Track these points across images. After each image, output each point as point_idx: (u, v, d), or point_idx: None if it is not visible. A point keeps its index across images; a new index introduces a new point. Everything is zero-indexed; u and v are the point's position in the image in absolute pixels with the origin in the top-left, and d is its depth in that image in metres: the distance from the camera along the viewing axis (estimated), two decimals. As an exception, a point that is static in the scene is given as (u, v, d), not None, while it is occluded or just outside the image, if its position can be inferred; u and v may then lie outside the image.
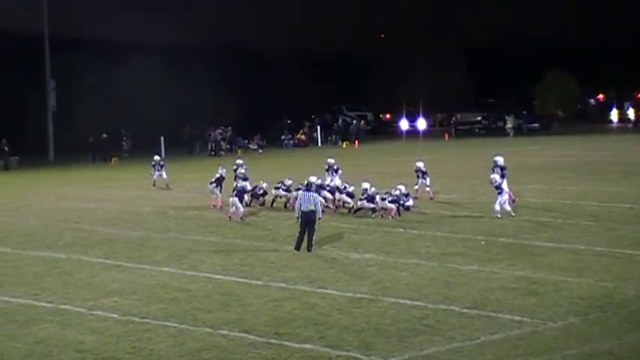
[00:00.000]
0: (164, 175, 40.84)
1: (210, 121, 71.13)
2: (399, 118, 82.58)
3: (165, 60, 73.09)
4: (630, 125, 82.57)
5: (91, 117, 67.49)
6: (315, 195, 24.79)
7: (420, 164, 33.20)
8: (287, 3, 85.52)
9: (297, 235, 24.00)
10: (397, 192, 29.56)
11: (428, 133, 78.52)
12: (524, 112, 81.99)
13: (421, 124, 79.60)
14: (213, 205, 32.83)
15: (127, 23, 71.01)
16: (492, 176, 28.50)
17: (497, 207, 28.05)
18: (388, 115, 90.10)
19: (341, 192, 31.02)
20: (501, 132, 77.44)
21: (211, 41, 78.23)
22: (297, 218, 24.16)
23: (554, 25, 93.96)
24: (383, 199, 29.28)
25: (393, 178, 35.09)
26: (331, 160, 34.72)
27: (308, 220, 23.86)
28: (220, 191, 33.00)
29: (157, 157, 41.96)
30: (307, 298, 18.53)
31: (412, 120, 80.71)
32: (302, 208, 23.93)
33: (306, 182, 26.54)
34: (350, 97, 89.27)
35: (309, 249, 23.77)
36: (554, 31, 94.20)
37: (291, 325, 16.56)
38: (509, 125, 77.42)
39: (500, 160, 30.27)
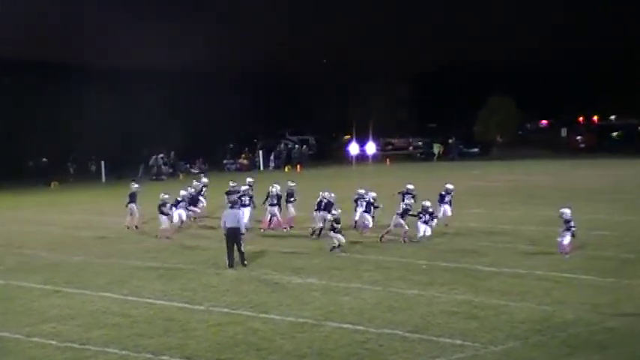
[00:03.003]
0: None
1: (156, 145, 70.70)
2: (348, 143, 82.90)
3: (109, 83, 72.55)
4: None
5: (30, 141, 66.62)
6: (239, 212, 26.26)
7: (362, 191, 32.71)
8: (232, 27, 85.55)
9: (226, 253, 24.93)
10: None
11: (377, 158, 78.85)
12: (453, 138, 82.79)
13: (370, 148, 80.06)
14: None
15: (70, 45, 70.45)
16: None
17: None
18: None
19: None
20: (432, 157, 78.73)
21: (155, 65, 77.88)
22: (226, 235, 25.24)
23: (499, 51, 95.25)
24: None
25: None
26: (233, 184, 35.48)
27: (233, 237, 24.87)
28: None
29: (135, 186, 36.41)
30: (250, 322, 18.44)
31: (362, 144, 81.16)
32: (227, 225, 25.01)
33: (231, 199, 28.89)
34: (294, 122, 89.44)
35: (243, 263, 24.69)
36: (499, 57, 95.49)
37: (233, 350, 16.46)
38: (435, 151, 79.46)
39: (410, 187, 31.96)
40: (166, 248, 29.20)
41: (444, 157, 79.35)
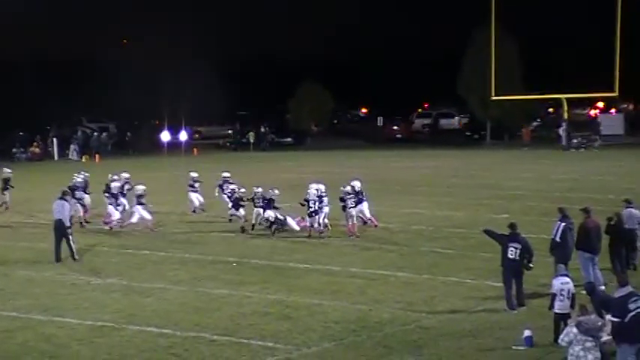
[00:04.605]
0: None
1: None
2: (160, 130, 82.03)
3: None
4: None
5: None
6: (65, 203, 25.75)
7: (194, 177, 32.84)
8: (20, 6, 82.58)
9: (54, 246, 24.96)
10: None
11: (190, 146, 78.28)
12: (265, 127, 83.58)
13: (183, 137, 79.75)
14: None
15: None
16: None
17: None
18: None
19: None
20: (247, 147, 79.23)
21: None
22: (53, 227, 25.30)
23: (312, 38, 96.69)
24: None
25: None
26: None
27: (59, 229, 24.93)
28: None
29: (8, 171, 37.46)
30: (43, 327, 18.06)
31: (174, 132, 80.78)
32: (54, 216, 25.16)
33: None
34: (92, 108, 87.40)
35: (73, 257, 24.85)
36: (312, 44, 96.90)
37: (23, 358, 16.09)
38: (251, 140, 80.00)
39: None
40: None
41: (255, 146, 79.82)
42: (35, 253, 26.61)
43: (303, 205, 28.95)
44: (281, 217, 29.40)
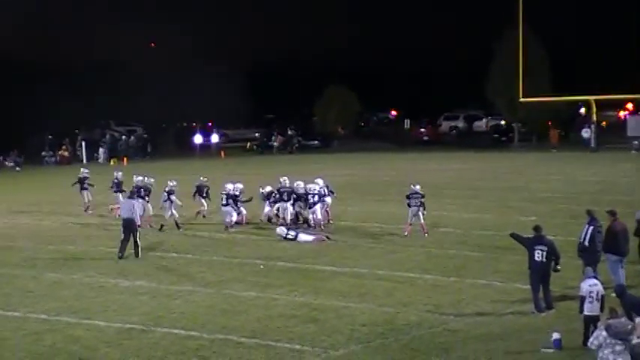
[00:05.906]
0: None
1: None
2: (193, 133, 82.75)
3: None
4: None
5: None
6: (134, 202, 26.98)
7: (172, 184, 32.29)
8: (49, 11, 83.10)
9: (120, 243, 25.86)
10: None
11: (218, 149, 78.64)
12: (293, 129, 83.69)
13: (215, 139, 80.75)
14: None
15: None
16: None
17: None
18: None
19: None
20: (270, 150, 79.64)
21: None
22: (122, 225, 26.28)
23: (340, 41, 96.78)
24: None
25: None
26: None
27: (127, 227, 25.87)
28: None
29: (85, 171, 37.87)
30: (71, 330, 18.15)
31: (206, 135, 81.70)
32: (123, 215, 26.38)
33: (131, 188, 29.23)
34: (120, 111, 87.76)
35: (136, 254, 25.72)
36: (339, 47, 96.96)
37: (52, 360, 16.17)
38: (275, 144, 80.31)
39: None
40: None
41: (281, 149, 79.99)
42: (64, 255, 26.81)
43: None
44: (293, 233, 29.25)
